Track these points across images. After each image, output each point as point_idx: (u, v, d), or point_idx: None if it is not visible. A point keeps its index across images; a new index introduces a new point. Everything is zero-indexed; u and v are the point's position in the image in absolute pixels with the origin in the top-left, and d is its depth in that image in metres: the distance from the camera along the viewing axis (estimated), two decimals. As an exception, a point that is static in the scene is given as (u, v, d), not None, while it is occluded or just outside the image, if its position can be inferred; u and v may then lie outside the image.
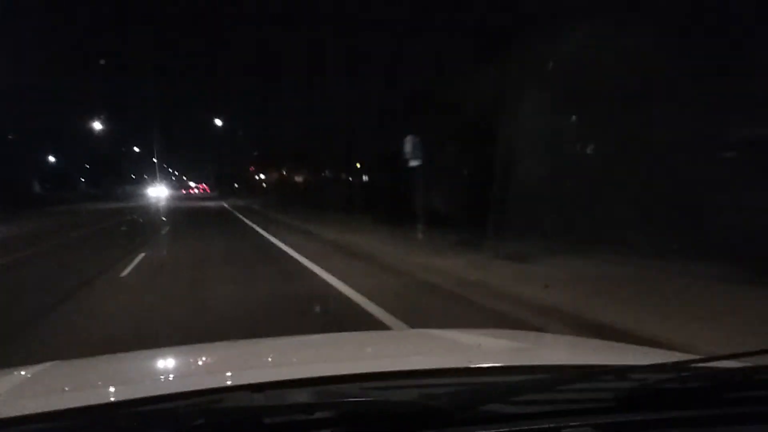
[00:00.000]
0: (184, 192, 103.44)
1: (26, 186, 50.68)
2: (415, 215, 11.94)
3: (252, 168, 66.20)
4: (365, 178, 25.97)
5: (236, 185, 75.99)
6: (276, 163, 46.61)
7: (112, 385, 1.58)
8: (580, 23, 8.88)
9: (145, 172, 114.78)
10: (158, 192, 70.57)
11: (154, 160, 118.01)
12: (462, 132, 13.00)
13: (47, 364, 1.77)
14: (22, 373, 1.67)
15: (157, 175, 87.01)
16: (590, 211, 9.13)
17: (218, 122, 46.97)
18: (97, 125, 48.82)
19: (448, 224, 11.99)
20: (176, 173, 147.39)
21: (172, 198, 61.99)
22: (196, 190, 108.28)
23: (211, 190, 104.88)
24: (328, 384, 1.30)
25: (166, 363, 1.96)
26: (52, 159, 61.37)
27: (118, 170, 79.79)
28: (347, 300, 6.39)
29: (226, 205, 39.11)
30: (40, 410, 1.17)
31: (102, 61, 59.20)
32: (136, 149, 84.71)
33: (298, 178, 43.78)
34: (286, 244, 12.43)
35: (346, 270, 8.40)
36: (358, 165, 25.82)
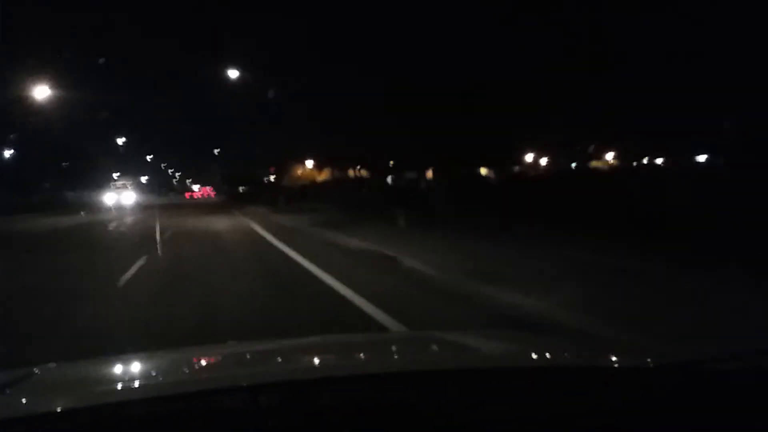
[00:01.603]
0: (187, 196, 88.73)
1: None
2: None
3: (269, 167, 53.28)
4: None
5: (241, 188, 65.30)
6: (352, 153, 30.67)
7: (112, 387, 1.57)
8: None
9: (139, 173, 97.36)
10: (124, 198, 43.21)
11: (148, 159, 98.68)
12: None
13: (48, 366, 1.76)
14: (22, 374, 1.66)
15: (135, 173, 61.57)
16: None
17: (233, 74, 25.78)
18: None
19: None
20: (177, 174, 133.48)
21: (148, 209, 32.84)
22: (201, 194, 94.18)
23: (215, 193, 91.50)
24: (328, 386, 1.31)
25: (166, 365, 1.91)
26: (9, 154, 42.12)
27: (94, 170, 59.06)
28: None
29: (263, 232, 15.71)
30: (40, 412, 1.18)
31: (101, 60, 52.14)
32: (121, 141, 61.36)
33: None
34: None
35: None
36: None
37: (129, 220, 24.64)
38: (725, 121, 17.43)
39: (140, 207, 38.86)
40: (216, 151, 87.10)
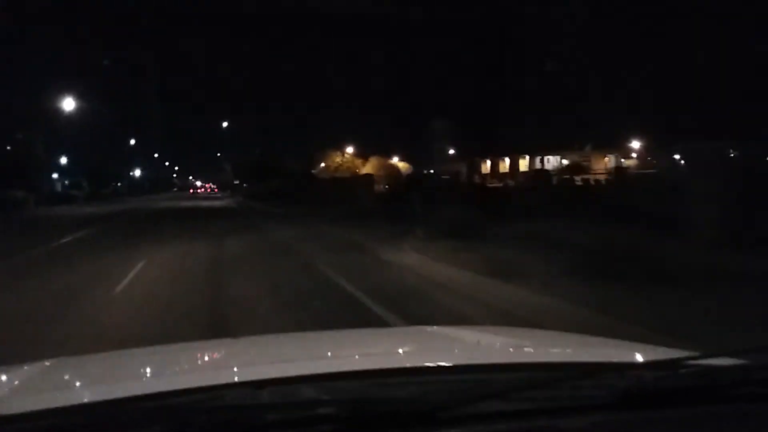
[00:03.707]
0: (191, 192, 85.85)
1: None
2: None
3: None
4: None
5: (245, 185, 61.48)
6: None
7: (113, 382, 1.57)
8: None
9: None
10: None
11: (130, 142, 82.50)
12: None
13: (49, 361, 1.76)
14: (24, 370, 1.66)
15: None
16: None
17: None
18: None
19: None
20: (176, 168, 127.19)
21: None
22: (202, 190, 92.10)
23: (219, 190, 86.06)
24: (329, 381, 1.31)
25: (168, 360, 1.92)
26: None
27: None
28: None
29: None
30: (41, 407, 1.16)
31: (106, 62, 49.26)
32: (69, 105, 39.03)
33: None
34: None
35: None
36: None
37: None
38: None
39: None
40: (224, 124, 70.87)
